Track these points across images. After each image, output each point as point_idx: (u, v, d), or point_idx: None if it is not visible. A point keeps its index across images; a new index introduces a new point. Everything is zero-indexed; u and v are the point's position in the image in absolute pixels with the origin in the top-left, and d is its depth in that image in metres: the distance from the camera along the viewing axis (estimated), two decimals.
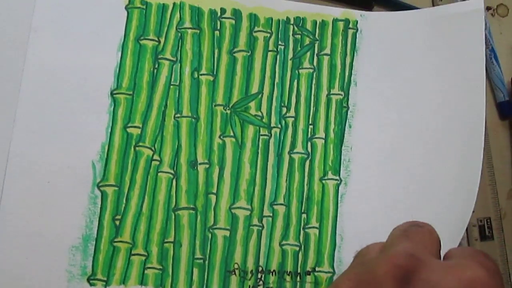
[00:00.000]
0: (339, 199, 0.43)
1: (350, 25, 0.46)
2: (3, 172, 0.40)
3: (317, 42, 0.46)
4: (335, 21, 0.46)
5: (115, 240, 0.40)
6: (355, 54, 0.46)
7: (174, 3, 0.44)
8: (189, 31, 0.44)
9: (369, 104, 0.45)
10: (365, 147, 0.44)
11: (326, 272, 0.42)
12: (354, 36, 0.46)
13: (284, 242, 0.42)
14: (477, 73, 0.44)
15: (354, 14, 0.46)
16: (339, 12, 0.46)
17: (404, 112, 0.45)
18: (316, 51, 0.45)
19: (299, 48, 0.45)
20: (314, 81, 0.45)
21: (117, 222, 0.40)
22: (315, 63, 0.45)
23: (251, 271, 0.41)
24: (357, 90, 0.45)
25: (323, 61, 0.45)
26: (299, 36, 0.45)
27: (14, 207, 0.39)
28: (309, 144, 0.44)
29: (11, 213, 0.39)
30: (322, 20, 0.46)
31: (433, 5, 0.49)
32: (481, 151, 0.43)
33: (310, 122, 0.44)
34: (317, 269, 0.42)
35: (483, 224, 0.46)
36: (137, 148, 0.42)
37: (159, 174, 0.42)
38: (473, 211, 0.45)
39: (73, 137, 0.41)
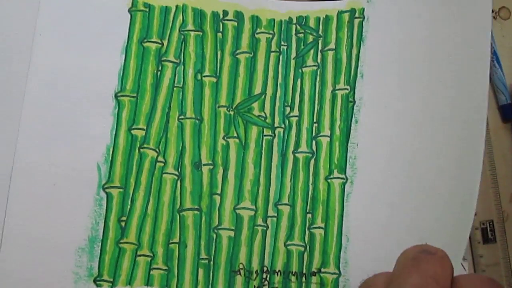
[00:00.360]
0: (345, 198, 0.43)
1: (356, 14, 0.45)
2: (8, 175, 0.40)
3: (321, 38, 0.45)
4: (340, 13, 0.45)
5: (121, 241, 0.41)
6: (361, 44, 0.45)
7: (176, 6, 0.44)
8: (192, 33, 0.44)
9: (376, 96, 0.44)
10: (372, 142, 0.43)
11: (331, 274, 0.41)
12: (361, 25, 0.45)
13: (289, 242, 0.42)
14: (482, 58, 0.43)
15: (360, 1, 0.46)
16: (344, 3, 0.46)
17: (411, 103, 0.44)
18: (320, 48, 0.45)
19: (302, 47, 0.45)
20: (318, 78, 0.45)
21: (123, 224, 0.41)
22: (319, 60, 0.45)
23: (256, 271, 0.41)
24: (364, 82, 0.44)
25: (328, 57, 0.45)
26: (302, 34, 0.45)
27: (20, 209, 0.40)
28: (313, 142, 0.44)
29: (18, 216, 0.40)
30: (326, 16, 0.46)
31: None
32: (483, 142, 0.42)
33: (315, 120, 0.44)
34: (322, 270, 0.42)
35: (486, 227, 0.46)
36: (141, 150, 0.42)
37: (163, 175, 0.42)
38: (476, 214, 0.46)
39: (78, 140, 0.41)
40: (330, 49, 0.45)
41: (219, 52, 0.44)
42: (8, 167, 0.40)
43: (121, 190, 0.41)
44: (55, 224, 0.40)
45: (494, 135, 0.48)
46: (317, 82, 0.45)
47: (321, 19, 0.46)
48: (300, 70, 0.45)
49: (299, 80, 0.45)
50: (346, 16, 0.45)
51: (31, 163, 0.41)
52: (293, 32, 0.45)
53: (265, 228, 0.42)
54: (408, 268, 0.25)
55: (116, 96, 0.43)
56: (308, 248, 0.42)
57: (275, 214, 0.42)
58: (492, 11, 0.50)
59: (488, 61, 0.44)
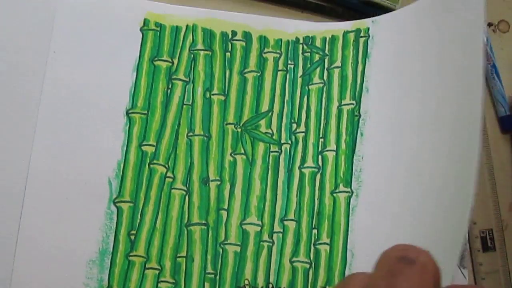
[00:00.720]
0: (350, 212, 0.43)
1: (362, 34, 0.46)
2: (23, 189, 0.41)
3: (327, 57, 0.46)
4: (345, 33, 0.47)
5: (130, 254, 0.42)
6: (367, 61, 0.46)
7: (187, 26, 0.46)
8: (202, 52, 0.46)
9: (381, 109, 0.44)
10: (377, 155, 0.44)
11: None
12: (366, 44, 0.46)
13: (294, 258, 0.42)
14: (474, 65, 0.41)
15: (365, 22, 0.47)
16: (350, 24, 0.47)
17: (415, 115, 0.44)
18: (326, 66, 0.46)
19: (308, 65, 0.46)
20: (324, 95, 0.45)
21: (132, 237, 0.42)
22: (325, 77, 0.46)
23: (262, 287, 0.42)
24: (369, 97, 0.45)
25: (334, 74, 0.46)
26: (309, 53, 0.47)
27: (34, 222, 0.41)
28: (319, 157, 0.44)
29: (31, 229, 0.41)
30: (332, 36, 0.47)
31: None
32: (478, 149, 0.39)
33: (321, 136, 0.45)
34: None
35: (485, 236, 0.47)
36: (151, 166, 0.43)
37: (172, 190, 0.43)
38: (475, 223, 0.47)
39: (90, 155, 0.43)
40: (336, 67, 0.46)
41: (227, 71, 0.46)
42: (23, 181, 0.41)
43: (131, 204, 0.42)
44: (67, 237, 0.41)
45: (494, 145, 0.49)
46: (323, 99, 0.45)
47: (327, 39, 0.47)
48: (306, 88, 0.46)
49: (305, 97, 0.46)
50: (351, 36, 0.46)
51: (45, 178, 0.42)
52: (300, 51, 0.47)
53: (271, 244, 0.43)
54: (382, 286, 0.23)
55: (127, 113, 0.44)
56: (313, 265, 0.42)
57: (281, 230, 0.43)
58: (492, 24, 0.51)
59: (481, 72, 0.41)
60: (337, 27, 0.47)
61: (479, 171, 0.43)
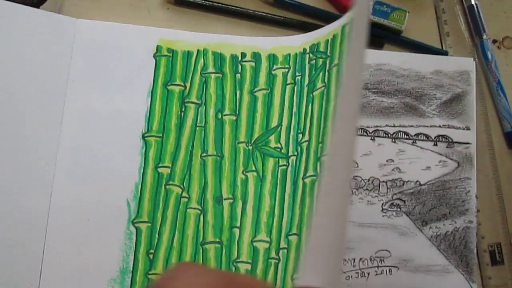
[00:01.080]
0: None
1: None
2: (46, 212, 0.44)
3: (329, 58, 0.47)
4: (343, 28, 0.46)
5: (149, 272, 0.44)
6: None
7: (198, 50, 0.47)
8: (213, 75, 0.47)
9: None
10: (339, 148, 0.40)
11: None
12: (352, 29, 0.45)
13: (295, 275, 0.43)
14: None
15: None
16: (345, 17, 0.47)
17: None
18: (327, 67, 0.46)
19: (313, 72, 0.47)
20: (324, 97, 0.46)
21: (151, 256, 0.44)
22: (326, 80, 0.46)
23: None
24: None
25: (332, 74, 0.46)
26: (314, 61, 0.47)
27: (58, 243, 0.43)
28: (318, 164, 0.45)
29: (56, 249, 0.43)
30: (333, 35, 0.47)
31: (441, 43, 0.51)
32: None
33: (320, 141, 0.45)
34: None
35: (494, 250, 0.48)
36: (167, 187, 0.45)
37: (187, 210, 0.45)
38: (483, 237, 0.48)
39: (109, 178, 0.45)
40: (334, 65, 0.46)
41: (238, 92, 0.47)
42: (46, 204, 0.44)
43: (149, 224, 0.44)
44: (90, 257, 0.43)
45: (500, 160, 0.50)
46: (324, 101, 0.46)
47: (329, 40, 0.47)
48: (311, 95, 0.47)
49: (310, 104, 0.46)
50: (347, 28, 0.46)
51: (67, 200, 0.44)
52: (307, 61, 0.48)
53: (277, 261, 0.44)
54: None
55: (143, 137, 0.46)
56: None
57: (286, 246, 0.44)
58: (496, 41, 0.52)
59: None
60: (337, 25, 0.47)
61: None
